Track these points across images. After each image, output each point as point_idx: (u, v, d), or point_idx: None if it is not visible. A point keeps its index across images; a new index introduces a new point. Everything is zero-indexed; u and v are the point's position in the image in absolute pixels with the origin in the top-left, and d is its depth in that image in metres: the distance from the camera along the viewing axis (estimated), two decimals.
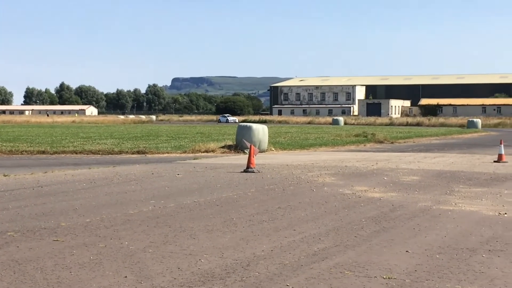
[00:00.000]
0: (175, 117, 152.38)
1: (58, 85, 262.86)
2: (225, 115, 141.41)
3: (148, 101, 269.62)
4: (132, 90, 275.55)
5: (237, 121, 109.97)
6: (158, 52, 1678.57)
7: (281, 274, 7.65)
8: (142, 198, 14.15)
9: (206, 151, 30.51)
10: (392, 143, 43.15)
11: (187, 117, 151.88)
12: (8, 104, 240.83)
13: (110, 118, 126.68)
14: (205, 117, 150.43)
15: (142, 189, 15.83)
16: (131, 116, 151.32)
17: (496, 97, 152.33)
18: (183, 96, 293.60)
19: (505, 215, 12.23)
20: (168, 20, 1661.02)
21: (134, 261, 8.22)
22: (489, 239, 9.89)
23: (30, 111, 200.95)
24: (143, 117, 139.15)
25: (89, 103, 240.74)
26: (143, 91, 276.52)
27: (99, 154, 30.06)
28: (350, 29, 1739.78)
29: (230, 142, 32.76)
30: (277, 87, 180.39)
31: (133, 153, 30.34)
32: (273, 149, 32.62)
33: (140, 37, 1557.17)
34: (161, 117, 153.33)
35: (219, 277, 7.46)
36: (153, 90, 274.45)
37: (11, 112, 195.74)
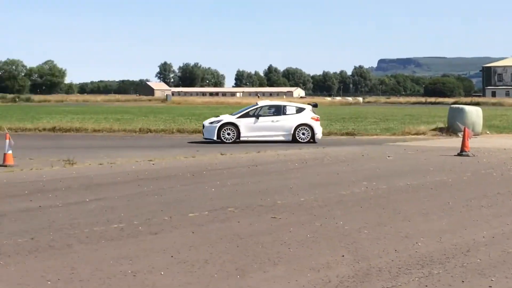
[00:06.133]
0: (382, 99, 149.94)
1: (266, 67, 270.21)
2: None
3: (354, 83, 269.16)
4: (338, 72, 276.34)
5: None
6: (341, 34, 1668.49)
7: (505, 262, 7.27)
8: (353, 179, 14.16)
9: (416, 134, 29.92)
10: None
11: (394, 99, 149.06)
12: (220, 87, 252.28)
13: (317, 100, 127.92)
14: (413, 99, 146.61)
15: (353, 170, 15.86)
16: (338, 98, 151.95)
17: None
18: (390, 77, 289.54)
19: None
20: None
21: (349, 241, 8.25)
22: None
23: (241, 93, 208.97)
24: (349, 99, 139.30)
25: (296, 85, 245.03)
26: (349, 73, 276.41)
27: None
28: None
29: (441, 125, 31.76)
30: (489, 67, 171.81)
31: (342, 135, 30.56)
32: (488, 132, 31.17)
33: None
34: (368, 99, 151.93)
35: (438, 262, 7.26)
36: (359, 72, 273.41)
37: (223, 94, 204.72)
